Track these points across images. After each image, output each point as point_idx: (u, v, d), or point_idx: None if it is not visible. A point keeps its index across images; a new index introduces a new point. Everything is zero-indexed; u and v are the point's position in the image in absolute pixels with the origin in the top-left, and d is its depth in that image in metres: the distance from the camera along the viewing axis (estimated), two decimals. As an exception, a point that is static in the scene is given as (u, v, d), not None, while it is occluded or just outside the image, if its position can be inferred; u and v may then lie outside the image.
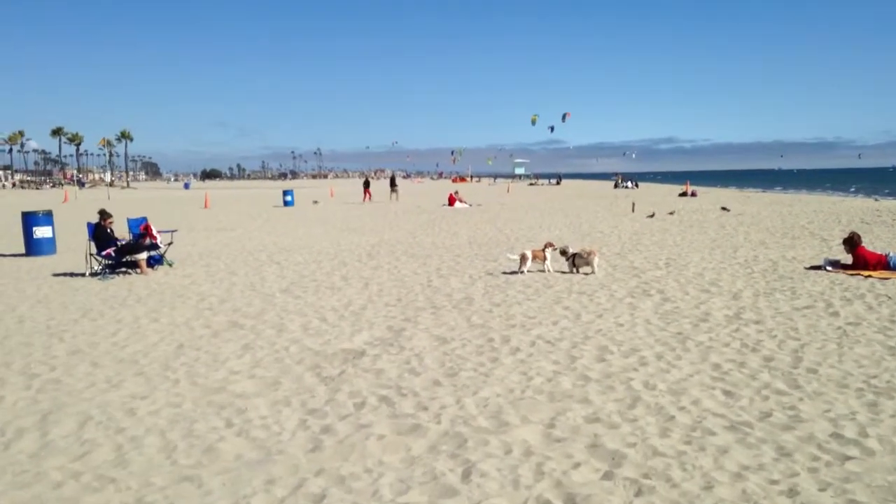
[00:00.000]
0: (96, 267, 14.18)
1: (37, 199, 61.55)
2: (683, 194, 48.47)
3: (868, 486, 4.23)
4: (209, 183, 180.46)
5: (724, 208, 31.54)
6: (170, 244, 15.54)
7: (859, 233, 13.53)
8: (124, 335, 8.85)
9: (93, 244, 14.30)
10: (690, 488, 4.28)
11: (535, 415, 5.63)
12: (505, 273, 13.20)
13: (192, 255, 17.12)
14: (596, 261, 12.94)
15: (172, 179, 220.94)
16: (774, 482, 4.32)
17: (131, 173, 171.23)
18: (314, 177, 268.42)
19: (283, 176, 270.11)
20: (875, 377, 6.32)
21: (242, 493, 4.43)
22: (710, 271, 12.91)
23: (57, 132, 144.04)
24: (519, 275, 12.84)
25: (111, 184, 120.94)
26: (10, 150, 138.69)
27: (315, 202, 48.98)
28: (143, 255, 14.30)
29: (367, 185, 50.78)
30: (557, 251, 13.39)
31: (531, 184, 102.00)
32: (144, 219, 16.08)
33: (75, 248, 17.70)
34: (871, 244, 14.45)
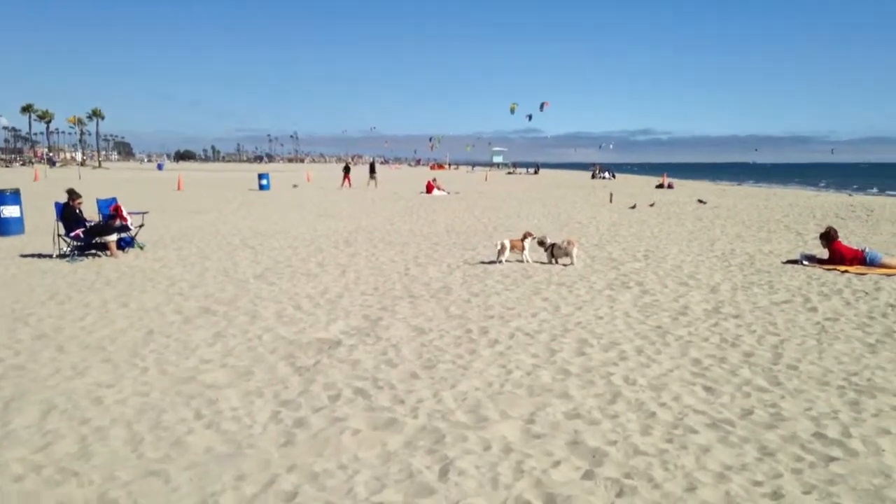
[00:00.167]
0: (65, 248, 13.83)
1: (5, 177, 60.25)
2: (660, 186, 48.67)
3: (853, 489, 4.16)
4: (183, 164, 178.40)
5: (700, 201, 31.67)
6: (141, 226, 15.21)
7: (835, 227, 13.56)
8: (92, 320, 8.61)
9: (61, 225, 13.94)
10: (673, 489, 4.18)
11: (514, 410, 5.51)
12: (483, 262, 13.08)
13: (163, 238, 16.79)
14: (575, 251, 12.85)
15: (145, 160, 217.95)
16: (758, 483, 4.24)
17: (103, 153, 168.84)
18: (290, 161, 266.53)
19: (258, 159, 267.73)
20: (855, 374, 6.28)
21: (210, 489, 4.27)
22: (687, 264, 12.88)
23: (27, 109, 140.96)
24: (497, 264, 12.71)
25: (83, 163, 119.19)
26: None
27: (295, 186, 48.59)
28: (113, 237, 13.98)
29: (346, 170, 50.41)
30: (536, 241, 13.28)
31: (509, 172, 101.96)
32: (114, 199, 15.73)
33: (44, 228, 17.25)
34: (845, 239, 14.50)
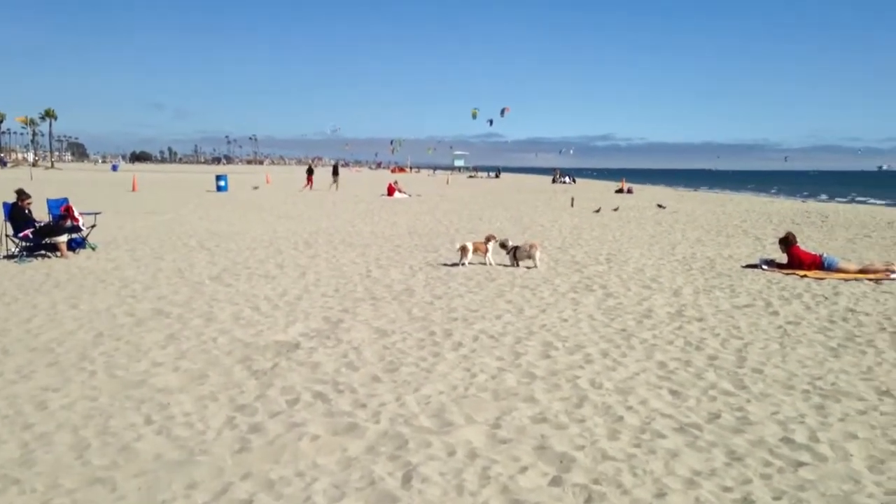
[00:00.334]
0: (13, 249, 13.36)
1: (-47, 177, 58.51)
2: (620, 191, 49.08)
3: (823, 494, 4.08)
4: (139, 165, 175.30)
5: (660, 205, 31.94)
6: (93, 226, 14.78)
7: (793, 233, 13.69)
8: (39, 322, 8.26)
9: (9, 225, 13.46)
10: (642, 495, 4.06)
11: (479, 414, 5.36)
12: (446, 265, 12.92)
13: (116, 239, 16.33)
14: (538, 254, 12.76)
15: (100, 161, 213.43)
16: (728, 489, 4.14)
17: (56, 154, 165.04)
18: (249, 162, 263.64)
19: (216, 161, 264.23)
20: (819, 378, 6.25)
21: (160, 497, 4.04)
22: (650, 267, 12.89)
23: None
24: (460, 267, 12.57)
25: (34, 164, 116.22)
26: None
27: (255, 188, 48.00)
28: (64, 238, 13.56)
29: (310, 172, 50.11)
30: (498, 244, 13.17)
31: (470, 176, 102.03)
32: (66, 199, 15.25)
33: (-9, 228, 16.68)
34: (802, 244, 14.64)
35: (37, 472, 4.36)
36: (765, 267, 12.81)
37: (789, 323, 8.46)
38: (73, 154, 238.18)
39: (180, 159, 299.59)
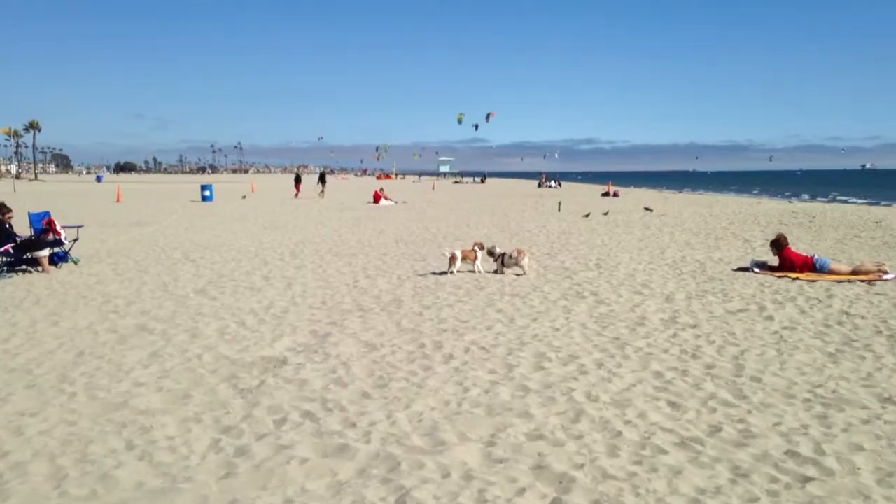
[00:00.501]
0: (-7, 265, 13.08)
1: (-66, 190, 57.76)
2: (606, 194, 49.11)
3: (833, 510, 3.94)
4: (123, 176, 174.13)
5: (647, 208, 31.91)
6: (75, 240, 14.51)
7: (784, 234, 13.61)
8: (18, 341, 8.01)
9: (-11, 240, 13.18)
10: (646, 516, 3.91)
11: (473, 431, 5.18)
12: (434, 273, 12.75)
13: (99, 253, 16.05)
14: (526, 261, 12.62)
15: (84, 172, 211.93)
16: (734, 507, 3.99)
17: (40, 165, 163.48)
18: (235, 171, 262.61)
19: (201, 170, 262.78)
20: (820, 386, 6.12)
21: (142, 531, 3.84)
22: (640, 273, 12.76)
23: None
24: (448, 275, 12.41)
25: (18, 176, 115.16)
26: None
27: (243, 197, 47.73)
28: (45, 252, 13.28)
29: (298, 180, 50.09)
30: (485, 251, 13.00)
31: (456, 182, 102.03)
32: (47, 213, 14.94)
33: (-30, 243, 16.35)
34: (792, 245, 14.58)
35: (11, 505, 4.15)
36: (756, 270, 12.72)
37: (785, 328, 8.34)
38: (57, 165, 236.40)
39: (165, 169, 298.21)
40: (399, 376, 6.57)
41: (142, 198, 47.83)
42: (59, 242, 13.96)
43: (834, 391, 5.99)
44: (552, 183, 72.55)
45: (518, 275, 12.40)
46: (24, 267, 13.25)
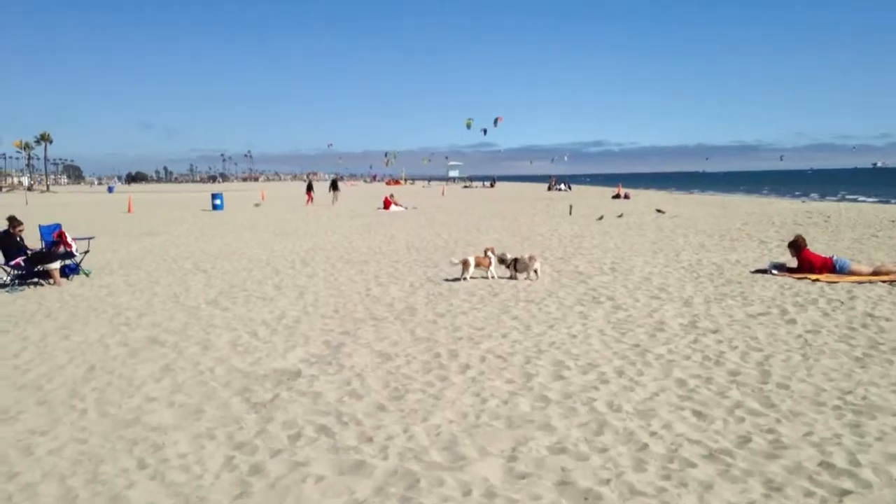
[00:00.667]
0: (5, 278, 13.02)
1: (-53, 203, 58.12)
2: (616, 196, 48.86)
3: (874, 526, 3.77)
4: (135, 186, 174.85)
5: (659, 210, 31.68)
6: (86, 252, 14.44)
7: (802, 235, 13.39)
8: (28, 356, 7.92)
9: (0, 253, 13.14)
10: (678, 535, 3.74)
11: (493, 445, 5.02)
12: (447, 280, 12.60)
13: (111, 264, 15.99)
14: (538, 266, 12.44)
15: (96, 183, 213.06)
16: (770, 524, 3.82)
17: (52, 177, 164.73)
18: (245, 179, 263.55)
19: (212, 179, 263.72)
20: (849, 393, 5.93)
21: (154, 556, 3.71)
22: (656, 276, 12.58)
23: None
24: (462, 282, 12.26)
25: (30, 188, 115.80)
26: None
27: (256, 205, 47.86)
28: (56, 265, 13.21)
29: (310, 187, 50.26)
30: (497, 258, 12.83)
31: (465, 186, 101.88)
32: (58, 225, 14.90)
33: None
34: (809, 246, 14.36)
35: (21, 528, 4.03)
36: (774, 272, 12.50)
37: (808, 331, 8.15)
38: (69, 177, 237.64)
39: (176, 178, 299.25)
40: (415, 387, 6.42)
41: (153, 208, 47.95)
42: (70, 255, 13.91)
43: (864, 398, 5.80)
44: (562, 186, 72.34)
45: (532, 280, 12.23)
46: (35, 280, 13.19)
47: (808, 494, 4.14)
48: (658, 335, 8.16)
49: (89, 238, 15.55)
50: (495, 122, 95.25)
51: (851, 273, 11.84)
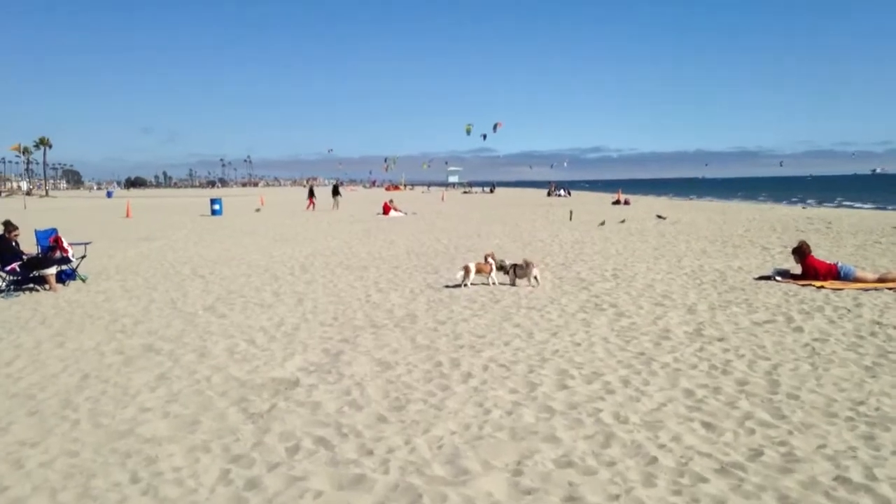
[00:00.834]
0: (0, 283, 12.87)
1: (-55, 208, 57.92)
2: (616, 202, 48.77)
3: (896, 546, 3.62)
4: (134, 191, 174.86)
5: (659, 216, 31.56)
6: (83, 257, 14.29)
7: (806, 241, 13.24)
8: (21, 364, 7.77)
9: (-6, 259, 12.99)
10: (691, 554, 3.59)
11: (497, 458, 4.87)
12: (447, 286, 12.45)
13: (108, 269, 15.83)
14: (536, 273, 12.29)
15: (95, 188, 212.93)
16: (787, 543, 3.67)
17: (51, 181, 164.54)
18: (244, 185, 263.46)
19: (211, 184, 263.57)
20: (862, 404, 5.78)
21: (145, 576, 3.56)
22: (659, 282, 12.44)
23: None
24: (462, 288, 12.11)
25: (29, 192, 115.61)
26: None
27: (257, 210, 47.85)
28: (52, 270, 13.06)
29: (311, 193, 50.38)
30: (495, 265, 12.69)
31: (465, 192, 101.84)
32: (54, 230, 14.77)
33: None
34: (812, 252, 14.23)
35: (9, 545, 3.88)
36: (778, 278, 12.36)
37: (816, 340, 8.00)
38: (68, 182, 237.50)
39: (175, 183, 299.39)
40: (416, 397, 6.27)
41: (151, 213, 47.81)
42: (66, 260, 13.77)
43: (877, 409, 5.66)
44: (561, 192, 72.27)
45: (534, 286, 12.08)
46: (31, 285, 13.04)
47: (825, 511, 3.99)
48: (663, 343, 8.01)
49: (86, 243, 15.39)
50: (495, 127, 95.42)
51: (856, 280, 11.71)
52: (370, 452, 5.05)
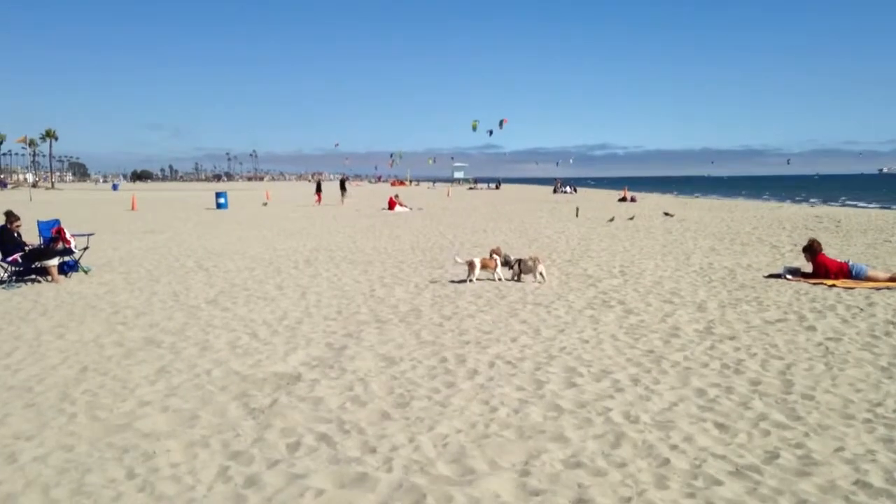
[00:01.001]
0: (2, 274, 12.77)
1: (-49, 200, 57.95)
2: (623, 199, 48.51)
3: (921, 555, 3.46)
4: (139, 184, 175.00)
5: (666, 213, 31.35)
6: (85, 249, 14.17)
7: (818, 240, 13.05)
8: (20, 356, 7.64)
9: (-3, 249, 12.89)
10: (707, 561, 3.44)
11: (504, 457, 4.73)
12: (453, 282, 12.31)
13: (111, 261, 15.72)
14: (542, 269, 12.12)
15: (101, 181, 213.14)
16: (806, 550, 3.52)
17: (57, 174, 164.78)
18: (250, 179, 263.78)
19: (217, 178, 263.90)
20: (879, 405, 5.62)
21: (139, 577, 3.42)
22: (667, 280, 12.27)
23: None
24: (468, 283, 11.96)
25: (35, 185, 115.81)
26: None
27: (264, 204, 47.85)
28: (54, 261, 12.95)
29: (318, 188, 50.50)
30: (501, 261, 12.53)
31: (471, 188, 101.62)
32: (57, 221, 14.66)
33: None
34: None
35: (-1, 542, 3.75)
36: (789, 276, 12.18)
37: (829, 339, 7.83)
38: (74, 174, 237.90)
39: (181, 177, 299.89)
40: (420, 394, 6.13)
41: (157, 206, 47.76)
42: (68, 251, 13.65)
43: (895, 410, 5.49)
44: (567, 188, 72.02)
45: (541, 283, 11.93)
46: (33, 276, 12.94)
47: (846, 517, 3.84)
48: (673, 341, 7.85)
49: (89, 235, 15.27)
50: (500, 123, 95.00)
51: (868, 279, 11.52)
52: (373, 450, 4.91)
